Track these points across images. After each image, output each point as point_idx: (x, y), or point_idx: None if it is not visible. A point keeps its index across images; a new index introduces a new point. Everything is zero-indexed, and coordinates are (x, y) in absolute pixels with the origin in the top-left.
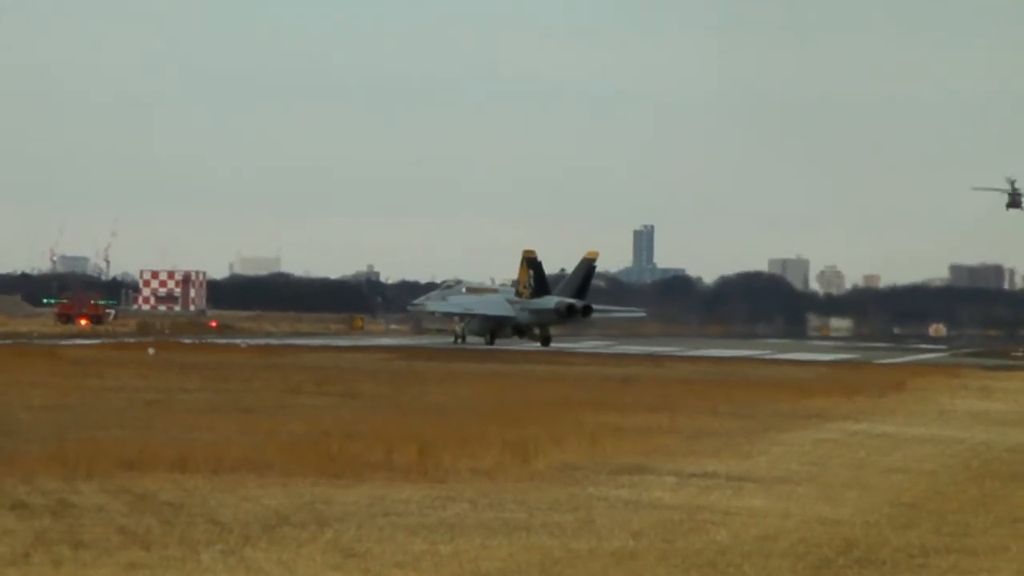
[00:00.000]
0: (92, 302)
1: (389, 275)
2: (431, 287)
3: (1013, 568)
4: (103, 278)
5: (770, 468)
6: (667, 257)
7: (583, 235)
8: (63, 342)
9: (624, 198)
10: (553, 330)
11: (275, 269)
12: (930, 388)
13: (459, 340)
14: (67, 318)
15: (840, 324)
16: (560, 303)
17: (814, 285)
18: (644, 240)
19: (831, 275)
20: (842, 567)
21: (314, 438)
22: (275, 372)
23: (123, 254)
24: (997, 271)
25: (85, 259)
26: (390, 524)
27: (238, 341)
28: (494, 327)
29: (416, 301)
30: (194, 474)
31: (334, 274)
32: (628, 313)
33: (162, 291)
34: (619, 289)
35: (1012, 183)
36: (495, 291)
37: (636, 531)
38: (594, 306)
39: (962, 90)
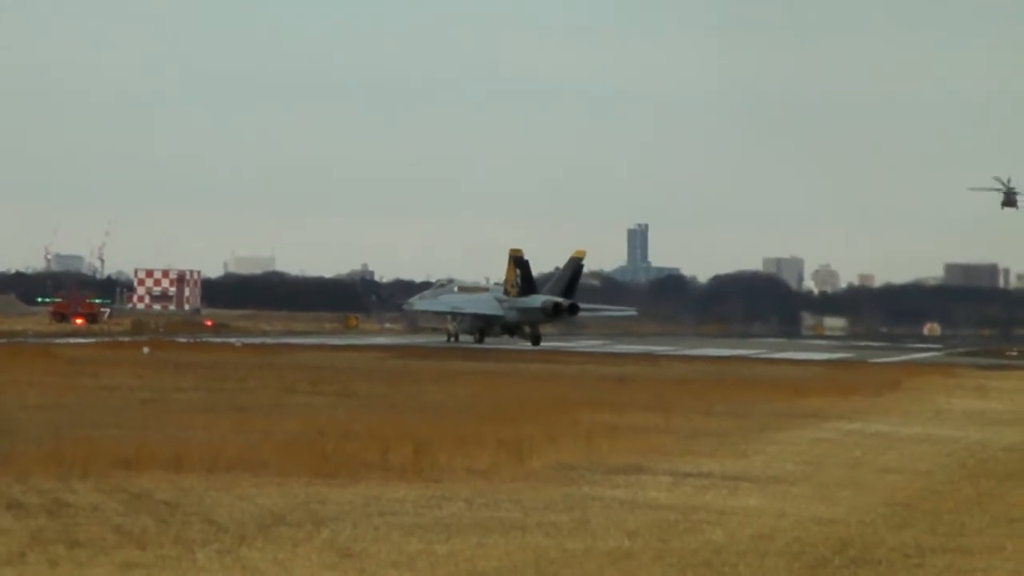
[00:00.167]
0: (87, 301)
1: (383, 274)
2: (425, 286)
3: (1008, 568)
4: (98, 277)
5: (765, 468)
6: (661, 256)
7: (580, 235)
8: (58, 341)
9: (623, 198)
10: (547, 329)
11: (270, 268)
12: (925, 387)
13: (452, 339)
14: (62, 317)
15: (835, 323)
16: (546, 302)
17: (809, 284)
18: (638, 239)
19: (826, 274)
20: (837, 567)
21: (309, 437)
22: (270, 371)
23: (118, 253)
24: (992, 270)
25: (80, 258)
26: (386, 524)
27: (233, 340)
28: (483, 326)
29: (410, 300)
30: (189, 473)
31: (329, 273)
32: (618, 312)
33: (157, 290)
34: (614, 288)
35: (1007, 182)
36: (486, 290)
37: (632, 531)
38: (582, 305)
39: (962, 90)
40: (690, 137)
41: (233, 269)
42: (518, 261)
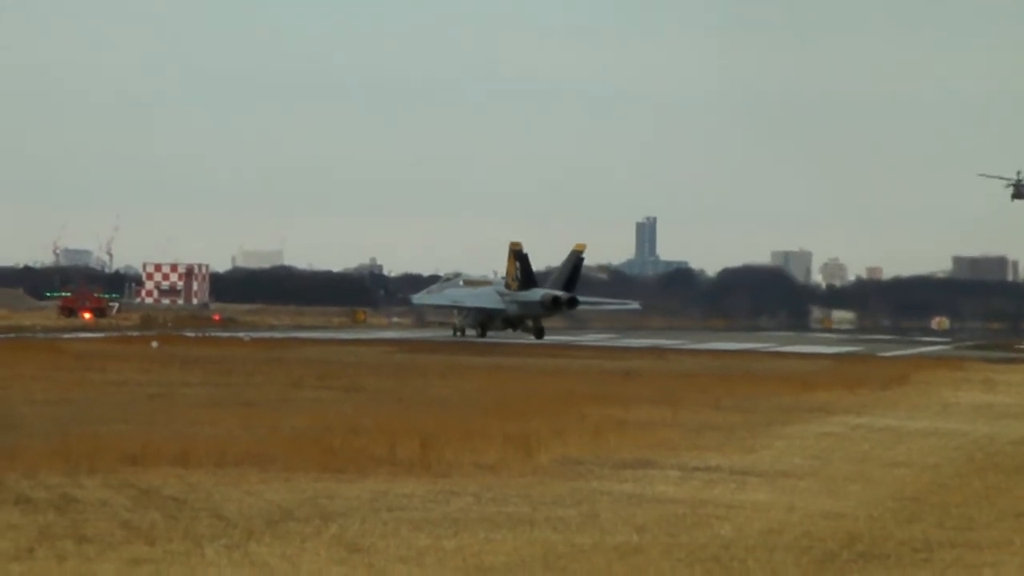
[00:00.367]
0: (95, 295)
1: (392, 268)
2: (433, 280)
3: (1017, 562)
4: (106, 271)
5: (773, 462)
6: (670, 250)
7: (588, 229)
8: (66, 336)
9: (624, 198)
10: (553, 323)
11: (278, 262)
12: (933, 381)
13: (458, 333)
14: (70, 311)
15: (843, 316)
16: (545, 295)
17: (817, 278)
18: (647, 232)
19: (834, 267)
20: (846, 561)
21: (317, 432)
22: (278, 366)
23: (126, 248)
24: (1001, 263)
25: (88, 252)
26: (394, 519)
27: (241, 334)
28: (484, 320)
29: (414, 295)
30: (197, 469)
31: (337, 267)
32: (620, 306)
33: (165, 284)
34: (621, 281)
35: (1017, 174)
36: (489, 284)
37: (640, 525)
38: (582, 298)
39: (962, 90)
40: (690, 137)
41: (241, 263)
42: (517, 254)
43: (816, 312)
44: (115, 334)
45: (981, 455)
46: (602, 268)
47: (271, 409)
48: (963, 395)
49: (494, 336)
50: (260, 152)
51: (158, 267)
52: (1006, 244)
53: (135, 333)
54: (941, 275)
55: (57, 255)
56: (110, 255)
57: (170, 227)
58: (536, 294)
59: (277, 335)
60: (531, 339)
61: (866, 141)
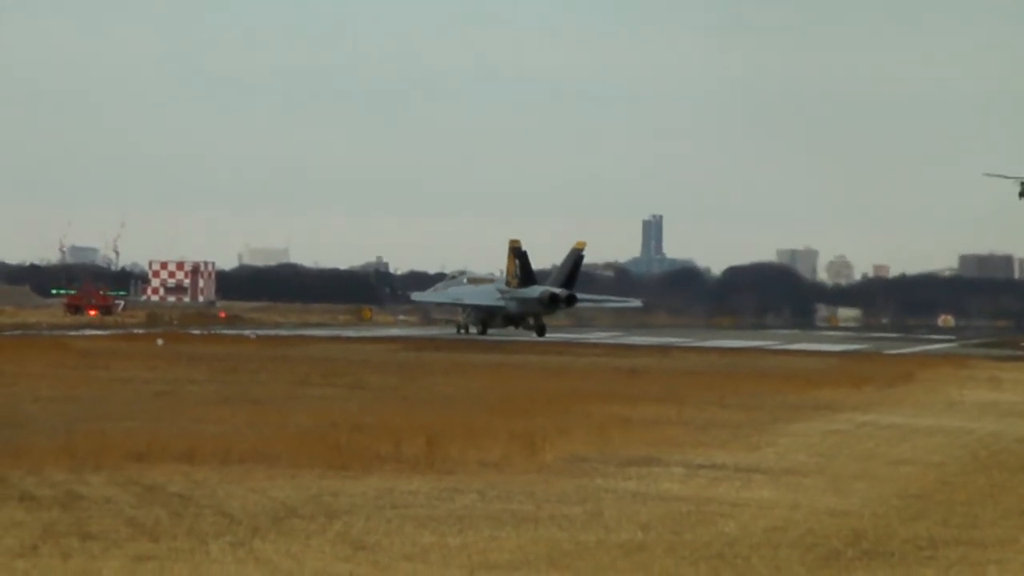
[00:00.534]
0: (101, 293)
1: (398, 266)
2: (440, 278)
3: (1022, 560)
4: (112, 269)
5: (778, 459)
6: (676, 248)
7: (595, 227)
8: (72, 333)
9: (625, 198)
10: (559, 321)
11: (284, 260)
12: (939, 379)
13: (462, 331)
14: (76, 309)
15: (849, 314)
16: (544, 292)
17: (823, 276)
18: (653, 230)
19: (840, 265)
20: (851, 559)
21: (322, 430)
22: (283, 363)
23: (132, 247)
24: (1007, 261)
25: (94, 250)
26: (398, 516)
27: (247, 332)
28: (485, 317)
29: (417, 292)
30: (202, 466)
31: (343, 265)
32: (622, 303)
33: (171, 282)
34: (627, 279)
35: None
36: (491, 282)
37: (644, 523)
38: (582, 296)
39: (970, 88)
40: (692, 137)
41: (247, 261)
42: (517, 252)
43: (822, 310)
44: (121, 332)
45: (986, 453)
46: (608, 266)
47: (276, 406)
48: (968, 393)
49: (498, 334)
50: (266, 150)
51: (164, 265)
52: (1013, 242)
53: (141, 331)
54: (948, 273)
55: (63, 253)
56: (116, 253)
57: (176, 225)
58: (535, 291)
59: (283, 333)
60: (533, 336)
61: (873, 139)
